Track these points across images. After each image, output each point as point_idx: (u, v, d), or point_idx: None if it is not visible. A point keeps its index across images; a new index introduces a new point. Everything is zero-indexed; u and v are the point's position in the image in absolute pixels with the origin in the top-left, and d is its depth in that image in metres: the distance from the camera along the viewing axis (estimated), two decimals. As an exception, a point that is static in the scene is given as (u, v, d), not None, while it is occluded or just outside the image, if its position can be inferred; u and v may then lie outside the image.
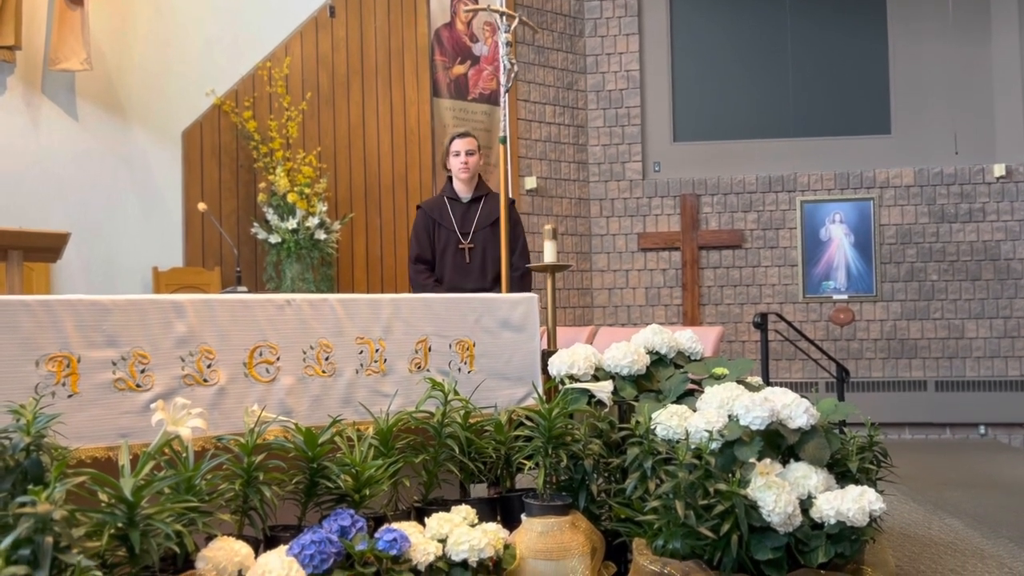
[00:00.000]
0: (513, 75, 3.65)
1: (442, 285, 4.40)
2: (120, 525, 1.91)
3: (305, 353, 2.70)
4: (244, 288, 3.32)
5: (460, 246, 4.41)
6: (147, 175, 6.23)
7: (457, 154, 4.45)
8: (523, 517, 2.59)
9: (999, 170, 7.80)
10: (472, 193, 4.51)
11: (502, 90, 3.73)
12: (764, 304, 7.95)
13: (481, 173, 4.67)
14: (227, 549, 2.09)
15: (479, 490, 2.90)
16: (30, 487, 1.70)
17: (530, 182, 7.90)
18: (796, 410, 2.67)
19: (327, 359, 2.74)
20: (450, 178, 4.59)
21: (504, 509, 2.82)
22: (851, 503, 2.50)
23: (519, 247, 4.44)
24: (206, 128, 6.41)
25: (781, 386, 2.87)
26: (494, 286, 4.34)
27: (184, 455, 2.14)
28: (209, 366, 2.52)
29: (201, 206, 3.86)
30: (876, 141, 8.11)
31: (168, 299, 2.50)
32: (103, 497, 1.96)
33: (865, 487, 2.58)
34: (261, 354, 2.62)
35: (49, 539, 1.63)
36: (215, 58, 6.44)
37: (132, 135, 6.17)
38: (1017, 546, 4.12)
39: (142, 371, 2.40)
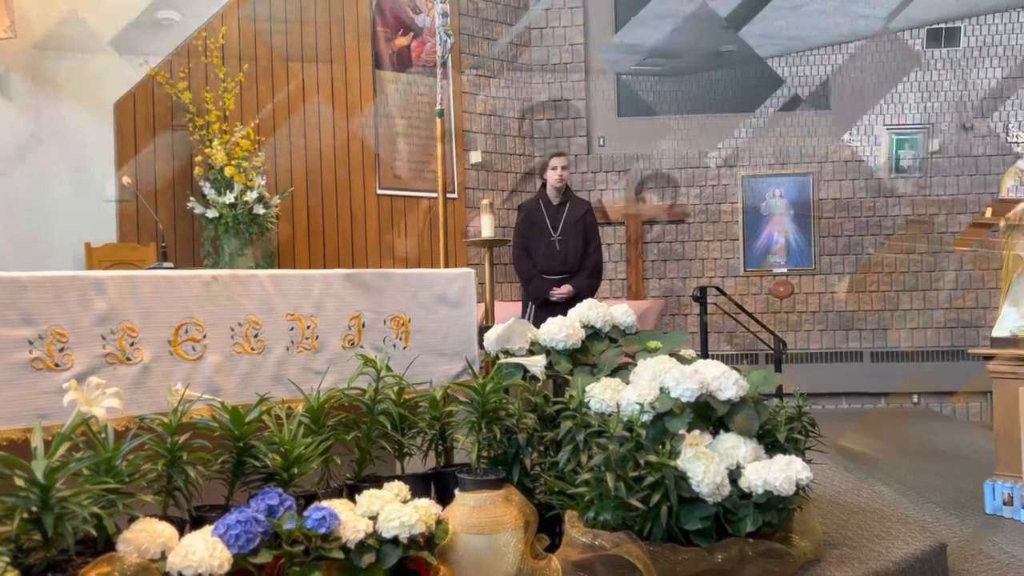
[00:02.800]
0: (449, 46, 3.60)
1: (536, 268, 5.55)
2: (33, 509, 1.86)
3: (233, 330, 2.65)
4: (169, 264, 3.24)
5: (551, 239, 5.55)
6: (78, 148, 6.02)
7: (555, 168, 5.56)
8: (456, 492, 2.59)
9: (932, 145, 7.97)
10: (560, 198, 5.62)
11: (439, 61, 3.67)
12: (707, 278, 8.04)
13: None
14: (149, 531, 2.04)
15: (414, 466, 2.89)
16: (-67, 471, 1.64)
17: (474, 156, 7.84)
18: (725, 382, 2.71)
19: (256, 336, 2.69)
20: (544, 184, 5.66)
21: (439, 485, 2.81)
22: (778, 473, 2.55)
23: (593, 246, 5.60)
24: (139, 100, 6.22)
25: (720, 359, 2.90)
26: (580, 271, 5.51)
27: (103, 436, 2.09)
28: (132, 344, 2.45)
29: (125, 179, 3.75)
30: (816, 117, 8.21)
31: (87, 275, 2.42)
32: (19, 482, 1.90)
33: (792, 457, 2.63)
34: (187, 331, 2.56)
35: (-47, 525, 1.58)
36: (148, 27, 6.24)
37: (61, 107, 5.95)
38: (943, 511, 4.27)
39: (61, 350, 2.33)
